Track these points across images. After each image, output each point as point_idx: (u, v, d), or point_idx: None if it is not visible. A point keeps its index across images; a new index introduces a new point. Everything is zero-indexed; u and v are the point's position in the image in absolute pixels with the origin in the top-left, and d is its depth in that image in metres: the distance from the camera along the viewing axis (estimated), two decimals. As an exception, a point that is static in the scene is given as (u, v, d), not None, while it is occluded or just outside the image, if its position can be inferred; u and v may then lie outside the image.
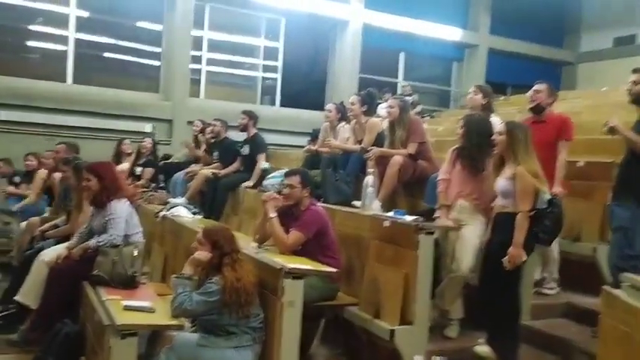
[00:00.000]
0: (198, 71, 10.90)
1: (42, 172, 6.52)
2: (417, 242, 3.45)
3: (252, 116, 6.43)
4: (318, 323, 4.02)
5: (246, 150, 6.31)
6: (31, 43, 10.05)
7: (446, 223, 3.88)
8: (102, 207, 4.04)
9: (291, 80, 11.98)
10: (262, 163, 6.16)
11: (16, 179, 7.04)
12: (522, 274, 3.56)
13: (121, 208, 4.00)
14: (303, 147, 7.67)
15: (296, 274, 3.26)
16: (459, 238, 3.83)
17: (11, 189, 6.92)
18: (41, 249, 4.41)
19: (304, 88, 12.28)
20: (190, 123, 8.03)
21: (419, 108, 10.24)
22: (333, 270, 3.60)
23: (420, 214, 3.96)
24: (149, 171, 7.10)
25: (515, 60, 13.91)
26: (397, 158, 4.68)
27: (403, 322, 3.46)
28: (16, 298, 4.10)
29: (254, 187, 5.94)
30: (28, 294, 4.04)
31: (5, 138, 8.60)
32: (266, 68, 11.83)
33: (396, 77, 13.29)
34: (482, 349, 3.56)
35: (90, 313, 3.36)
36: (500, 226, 3.51)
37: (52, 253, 4.08)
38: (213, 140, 6.78)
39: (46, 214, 5.65)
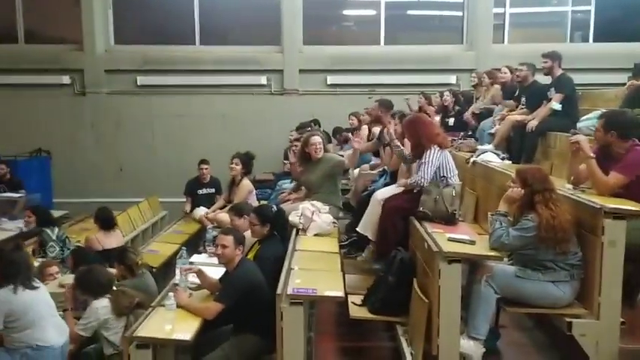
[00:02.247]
0: (501, 15, 10.68)
1: (364, 129, 7.49)
2: None
3: (554, 57, 6.13)
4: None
5: (552, 93, 6.11)
6: (346, 12, 11.39)
7: None
8: (421, 155, 4.58)
9: (606, 9, 10.71)
10: (553, 103, 5.89)
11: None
12: None
13: (432, 155, 4.46)
14: (622, 84, 6.98)
15: (617, 214, 3.23)
16: None
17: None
18: (373, 190, 5.25)
19: (622, 16, 10.84)
20: (497, 70, 8.04)
21: None
22: (661, 211, 3.40)
23: None
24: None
25: None
26: None
27: None
28: (357, 229, 5.00)
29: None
30: (366, 226, 4.89)
31: (332, 100, 10.09)
32: (576, 1, 10.86)
33: None
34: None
35: (419, 243, 3.95)
36: None
37: (383, 192, 4.82)
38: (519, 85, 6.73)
39: (372, 162, 6.60)
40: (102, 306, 3.90)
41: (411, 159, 4.81)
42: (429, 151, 4.46)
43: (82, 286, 4.04)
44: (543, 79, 6.49)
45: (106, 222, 6.10)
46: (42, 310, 3.82)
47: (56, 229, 6.16)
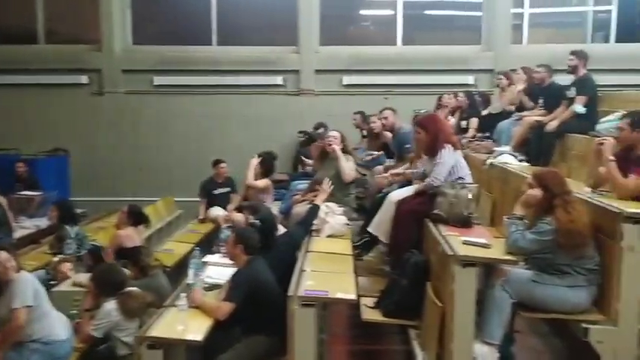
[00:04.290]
0: (520, 15, 10.54)
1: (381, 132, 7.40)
2: None
3: (581, 56, 6.06)
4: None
5: (572, 93, 6.02)
6: (363, 12, 11.33)
7: None
8: (433, 155, 4.52)
9: (629, 9, 10.50)
10: (577, 106, 5.80)
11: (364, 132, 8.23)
12: None
13: (447, 154, 4.40)
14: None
15: (637, 219, 3.15)
16: None
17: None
18: (387, 192, 5.19)
19: (646, 16, 10.65)
20: (513, 70, 7.94)
21: None
22: (683, 217, 3.31)
23: None
24: (474, 121, 7.42)
25: None
26: None
27: None
28: (368, 229, 4.95)
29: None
30: (378, 226, 4.83)
31: (348, 100, 10.03)
32: (597, 0, 10.68)
33: None
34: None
35: (433, 246, 3.90)
36: None
37: (398, 193, 4.77)
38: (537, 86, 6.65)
39: (387, 163, 6.55)
40: (113, 308, 3.91)
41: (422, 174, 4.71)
42: (443, 151, 4.40)
43: (99, 284, 4.06)
44: (561, 81, 6.41)
45: (139, 217, 5.84)
46: (46, 304, 3.88)
47: (76, 227, 6.19)
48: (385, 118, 6.61)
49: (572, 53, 6.12)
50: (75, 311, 4.22)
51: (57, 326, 3.88)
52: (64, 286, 4.66)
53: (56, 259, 5.14)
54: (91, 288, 4.10)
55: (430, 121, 4.72)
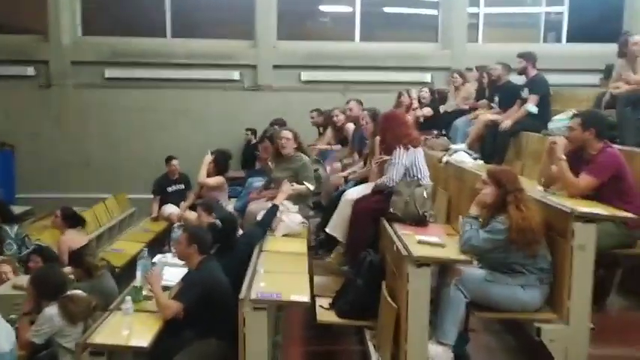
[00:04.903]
0: (476, 15, 10.68)
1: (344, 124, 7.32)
2: None
3: (529, 58, 6.13)
4: (614, 272, 3.83)
5: (525, 93, 6.10)
6: (322, 7, 11.24)
7: None
8: (389, 153, 4.47)
9: (580, 11, 10.78)
10: (529, 106, 5.88)
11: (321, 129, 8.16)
12: None
13: (402, 154, 4.33)
14: (594, 86, 7.02)
15: (587, 218, 3.18)
16: None
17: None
18: (344, 190, 5.13)
19: (596, 18, 10.93)
20: (469, 70, 8.01)
21: None
22: (631, 216, 3.37)
23: None
24: (427, 110, 7.41)
25: None
26: None
27: None
28: (326, 229, 4.88)
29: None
30: (335, 226, 4.76)
31: (307, 96, 9.91)
32: (550, 1, 10.92)
33: None
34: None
35: (389, 245, 3.85)
36: None
37: (354, 192, 4.71)
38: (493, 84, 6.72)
39: (345, 161, 6.47)
40: (55, 313, 3.70)
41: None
42: (396, 151, 4.36)
43: (38, 287, 3.83)
44: (517, 80, 6.48)
45: (74, 219, 5.77)
46: None
47: (15, 227, 5.89)
48: (350, 109, 6.55)
49: (520, 56, 6.16)
50: (14, 316, 3.98)
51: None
52: (3, 289, 4.40)
53: (-9, 261, 4.86)
54: (29, 291, 3.87)
55: (382, 121, 4.67)
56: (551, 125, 5.46)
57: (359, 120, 6.11)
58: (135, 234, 7.24)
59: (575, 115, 4.01)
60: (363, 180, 5.05)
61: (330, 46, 10.35)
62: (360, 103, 6.63)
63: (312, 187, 5.42)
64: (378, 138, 4.80)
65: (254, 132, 9.58)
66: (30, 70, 9.89)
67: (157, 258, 4.87)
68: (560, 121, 5.32)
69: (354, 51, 10.26)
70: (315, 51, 10.17)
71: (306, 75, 10.14)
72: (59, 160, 10.00)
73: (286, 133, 5.45)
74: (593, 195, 3.62)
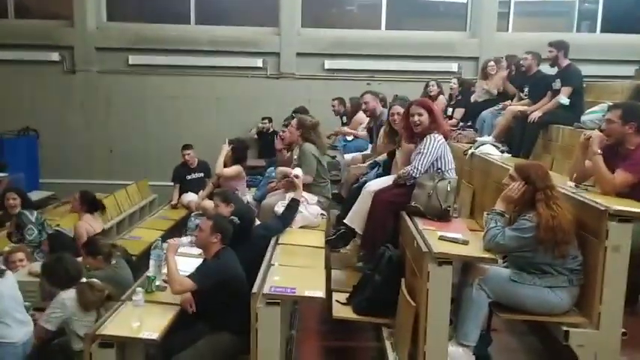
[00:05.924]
0: (507, 4, 10.34)
1: (360, 115, 7.20)
2: None
3: (560, 47, 5.84)
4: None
5: (557, 84, 5.84)
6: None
7: None
8: (416, 142, 4.27)
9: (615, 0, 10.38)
10: (561, 97, 5.62)
11: (344, 119, 8.00)
12: None
13: (433, 144, 4.10)
14: (629, 77, 6.71)
15: (623, 217, 2.98)
16: None
17: (343, 128, 7.75)
18: (365, 182, 4.97)
19: (632, 7, 10.50)
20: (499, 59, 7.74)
21: None
22: (669, 215, 3.15)
23: None
24: (460, 111, 7.24)
25: None
26: None
27: None
28: (345, 220, 4.74)
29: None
30: (354, 218, 4.61)
31: (329, 85, 9.76)
32: (584, -10, 10.53)
33: None
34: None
35: (409, 240, 3.69)
36: None
37: (376, 183, 4.54)
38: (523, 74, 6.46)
39: (367, 151, 6.32)
40: (69, 297, 3.64)
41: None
42: (429, 140, 4.11)
43: (49, 276, 3.79)
44: (548, 70, 6.21)
45: (93, 204, 5.72)
46: (6, 303, 3.59)
47: (35, 212, 5.89)
48: (366, 102, 6.36)
49: (550, 45, 5.87)
50: (28, 303, 3.96)
51: (13, 329, 3.59)
52: (18, 277, 4.38)
53: (7, 248, 4.84)
54: (41, 281, 3.84)
55: (426, 103, 4.42)
56: (584, 118, 5.22)
57: (375, 112, 5.95)
58: (153, 222, 7.19)
59: (613, 107, 3.75)
60: (385, 172, 4.88)
61: (355, 34, 10.14)
62: (376, 95, 6.43)
63: (308, 178, 5.22)
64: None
65: (270, 120, 9.48)
66: (55, 56, 9.93)
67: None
68: (593, 113, 5.09)
69: (379, 39, 10.02)
70: (339, 39, 9.99)
71: (329, 63, 9.96)
72: (82, 146, 10.06)
73: (293, 122, 5.35)
74: (627, 193, 3.40)
